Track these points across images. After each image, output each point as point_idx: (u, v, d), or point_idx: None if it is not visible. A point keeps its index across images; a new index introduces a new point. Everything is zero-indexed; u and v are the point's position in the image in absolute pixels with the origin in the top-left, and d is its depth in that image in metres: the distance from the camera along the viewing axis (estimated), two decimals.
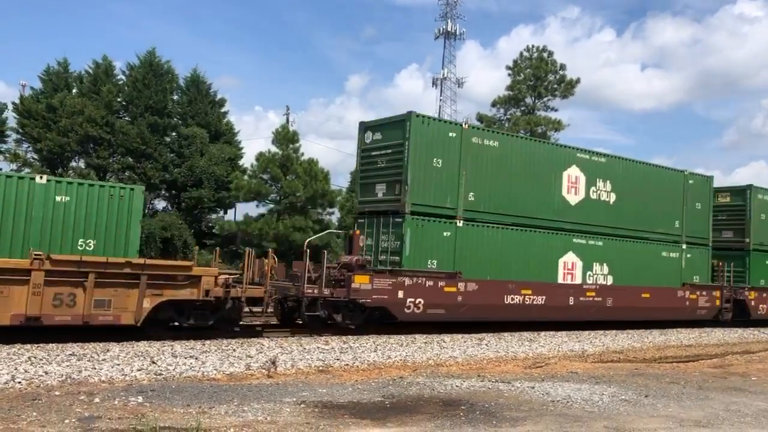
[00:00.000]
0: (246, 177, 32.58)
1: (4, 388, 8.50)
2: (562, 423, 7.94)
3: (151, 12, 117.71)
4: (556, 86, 47.89)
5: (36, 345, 11.71)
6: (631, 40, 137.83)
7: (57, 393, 8.28)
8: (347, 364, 12.02)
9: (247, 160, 37.95)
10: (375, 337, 15.88)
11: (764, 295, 25.90)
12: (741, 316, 24.94)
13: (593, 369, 12.82)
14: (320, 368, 11.49)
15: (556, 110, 48.55)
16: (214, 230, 34.34)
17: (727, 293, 24.27)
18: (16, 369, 9.58)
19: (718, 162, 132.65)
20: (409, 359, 13.02)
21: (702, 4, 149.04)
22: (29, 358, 10.48)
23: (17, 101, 32.90)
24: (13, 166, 33.20)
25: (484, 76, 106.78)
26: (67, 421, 6.92)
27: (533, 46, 48.07)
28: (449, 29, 66.70)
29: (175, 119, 34.84)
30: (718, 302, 24.03)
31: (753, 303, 25.19)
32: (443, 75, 66.84)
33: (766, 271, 26.11)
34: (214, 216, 36.85)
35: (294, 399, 8.53)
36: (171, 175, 32.73)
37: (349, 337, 15.58)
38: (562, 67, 47.54)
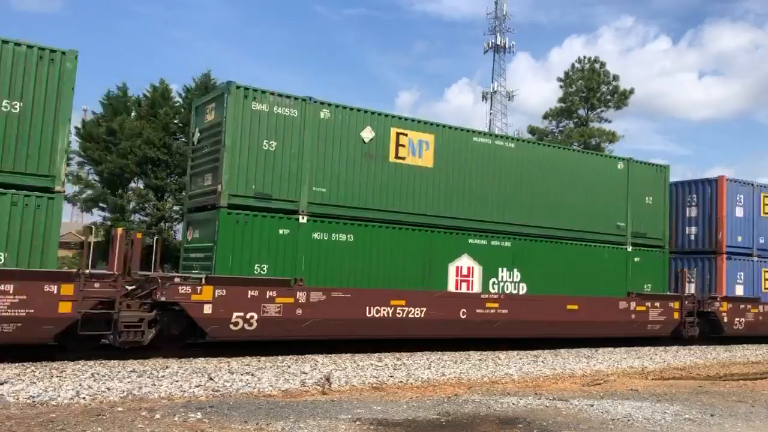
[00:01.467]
0: None
1: (70, 404, 8.77)
2: None
3: (207, 36, 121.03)
4: (609, 97, 47.21)
5: (98, 361, 12.05)
6: (687, 48, 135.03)
7: (120, 409, 8.49)
8: (401, 381, 11.98)
9: None
10: (428, 353, 15.78)
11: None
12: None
13: (654, 386, 12.45)
14: (374, 385, 11.48)
15: (609, 121, 47.84)
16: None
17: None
18: (80, 385, 9.87)
19: None
20: (464, 376, 12.89)
21: (763, 8, 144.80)
22: (92, 374, 10.78)
23: (79, 125, 34.17)
24: (76, 188, 34.45)
25: (535, 88, 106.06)
26: None
27: (585, 57, 47.57)
28: (498, 43, 66.56)
29: None
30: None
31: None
32: (493, 89, 66.67)
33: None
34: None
35: (349, 416, 8.53)
36: None
37: (403, 354, 15.52)
38: (615, 77, 46.87)
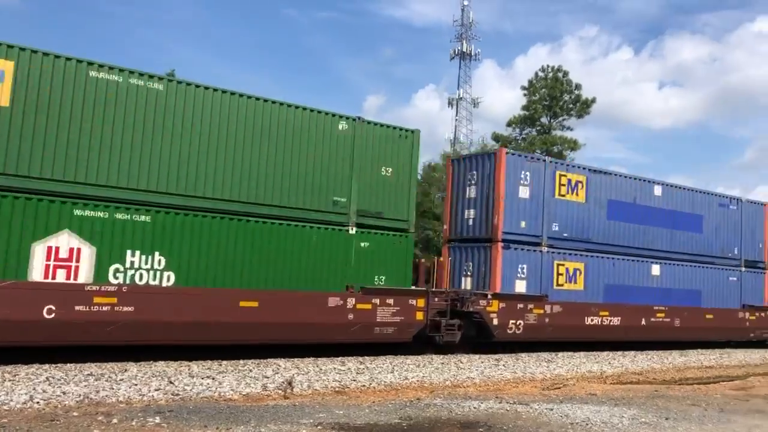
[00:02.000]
0: None
1: (23, 409, 8.55)
2: None
3: (174, 35, 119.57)
4: (571, 106, 48.05)
5: (54, 365, 11.78)
6: (648, 59, 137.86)
7: (75, 414, 8.30)
8: (364, 385, 11.97)
9: None
10: (391, 357, 15.81)
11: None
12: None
13: (612, 390, 12.67)
14: (336, 389, 11.45)
15: (571, 129, 48.67)
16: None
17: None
18: (34, 389, 9.63)
19: (739, 181, 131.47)
20: (426, 380, 12.94)
21: (721, 23, 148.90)
22: (47, 378, 10.53)
23: None
24: None
25: (501, 95, 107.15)
26: None
27: (548, 66, 48.34)
28: (464, 50, 67.15)
29: None
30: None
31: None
32: (459, 95, 67.21)
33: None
34: None
35: (311, 420, 8.49)
36: None
37: (366, 357, 15.52)
38: (578, 86, 47.75)
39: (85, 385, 10.11)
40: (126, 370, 11.66)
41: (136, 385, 10.43)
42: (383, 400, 10.36)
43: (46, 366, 11.63)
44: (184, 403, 9.46)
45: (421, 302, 16.32)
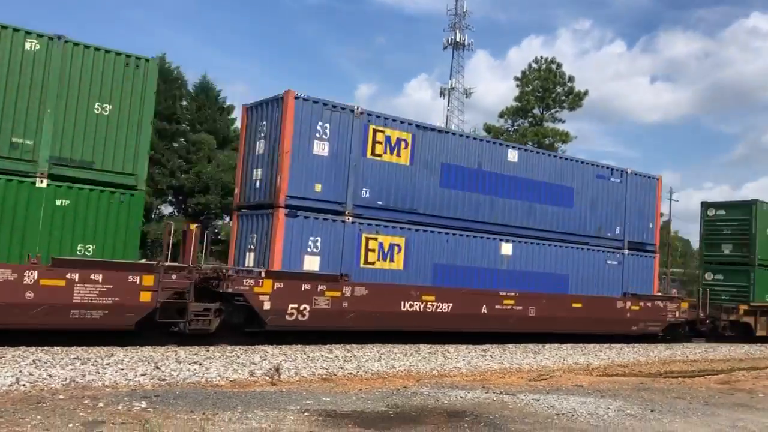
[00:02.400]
0: None
1: (9, 391, 8.50)
2: None
3: (163, 18, 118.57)
4: (564, 98, 48.13)
5: (41, 348, 11.72)
6: (641, 53, 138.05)
7: (61, 397, 8.27)
8: (351, 373, 11.98)
9: None
10: (379, 346, 15.83)
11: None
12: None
13: (598, 382, 12.74)
14: (324, 376, 11.46)
15: (563, 122, 48.75)
16: (220, 236, 34.46)
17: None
18: (20, 372, 9.58)
19: (727, 177, 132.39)
20: (413, 369, 12.97)
21: (715, 18, 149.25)
22: (34, 360, 10.48)
23: None
24: None
25: (493, 86, 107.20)
26: (71, 425, 6.91)
27: (542, 58, 48.37)
28: (457, 40, 67.02)
29: (184, 125, 35.02)
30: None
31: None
32: (451, 85, 67.17)
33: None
34: (220, 222, 36.95)
35: (298, 407, 8.50)
36: (178, 180, 32.86)
37: (353, 345, 15.53)
38: (571, 79, 47.82)
39: (72, 369, 10.07)
40: (112, 355, 11.61)
41: (122, 369, 10.40)
42: (370, 388, 10.38)
43: (33, 349, 11.57)
44: (170, 388, 9.44)
45: (148, 280, 12.58)
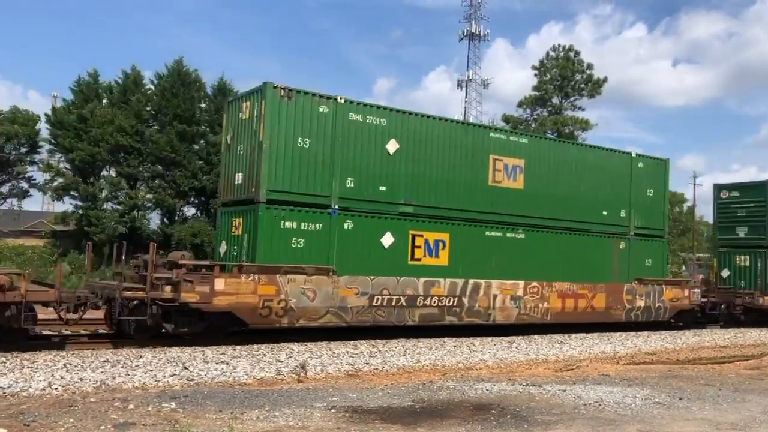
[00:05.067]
0: None
1: (42, 395, 8.68)
2: (594, 426, 7.85)
3: (179, 21, 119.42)
4: (582, 86, 47.63)
5: (71, 352, 11.93)
6: (662, 36, 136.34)
7: (92, 399, 8.42)
8: (376, 368, 12.03)
9: None
10: (404, 340, 15.86)
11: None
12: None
13: (625, 371, 12.66)
14: (350, 372, 11.52)
15: (583, 109, 48.28)
16: None
17: None
18: (52, 376, 9.76)
19: (754, 159, 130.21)
20: (439, 363, 12.99)
21: None
22: (65, 365, 10.66)
23: (49, 112, 33.53)
24: (47, 176, 33.79)
25: (512, 75, 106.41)
26: (102, 427, 7.04)
27: (559, 46, 47.91)
28: (473, 31, 66.64)
29: (204, 127, 35.20)
30: None
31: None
32: (468, 77, 66.85)
33: None
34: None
35: (324, 404, 8.56)
36: (200, 182, 33.05)
37: (378, 341, 15.58)
38: (589, 66, 47.31)
39: (102, 372, 10.24)
40: (141, 357, 11.78)
41: (151, 371, 10.55)
42: (396, 383, 10.42)
43: (63, 353, 11.78)
44: (198, 388, 9.57)
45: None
